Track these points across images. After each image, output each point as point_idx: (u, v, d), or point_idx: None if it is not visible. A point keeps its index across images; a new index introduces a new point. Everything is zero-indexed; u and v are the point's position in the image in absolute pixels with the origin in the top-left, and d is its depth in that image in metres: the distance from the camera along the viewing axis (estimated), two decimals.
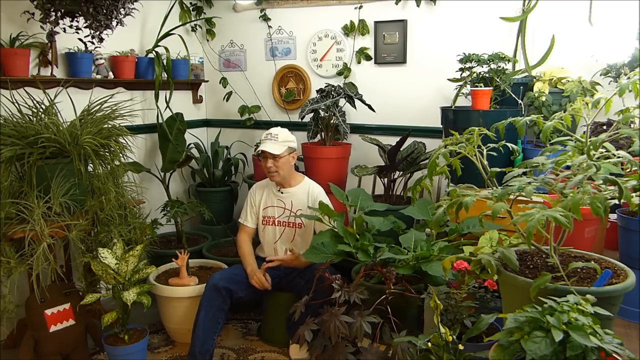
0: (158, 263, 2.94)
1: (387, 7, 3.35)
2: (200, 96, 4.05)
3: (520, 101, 2.72)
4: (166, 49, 3.37)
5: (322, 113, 3.24)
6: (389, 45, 3.37)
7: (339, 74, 3.55)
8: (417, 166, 3.07)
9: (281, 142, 2.66)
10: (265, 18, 3.76)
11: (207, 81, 3.98)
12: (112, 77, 3.20)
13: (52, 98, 2.60)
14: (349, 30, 3.49)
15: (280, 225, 2.80)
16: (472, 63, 2.80)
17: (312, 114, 3.26)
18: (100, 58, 3.10)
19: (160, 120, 3.37)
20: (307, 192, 2.78)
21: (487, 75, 2.81)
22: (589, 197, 1.35)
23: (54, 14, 2.57)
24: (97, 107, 2.63)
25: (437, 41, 3.24)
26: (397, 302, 2.25)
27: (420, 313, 2.32)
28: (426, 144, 3.17)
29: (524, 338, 1.28)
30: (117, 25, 2.71)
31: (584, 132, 1.63)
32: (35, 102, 2.50)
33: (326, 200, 2.72)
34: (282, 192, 2.79)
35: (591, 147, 1.55)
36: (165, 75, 3.39)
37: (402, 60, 3.36)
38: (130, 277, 2.43)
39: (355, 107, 3.30)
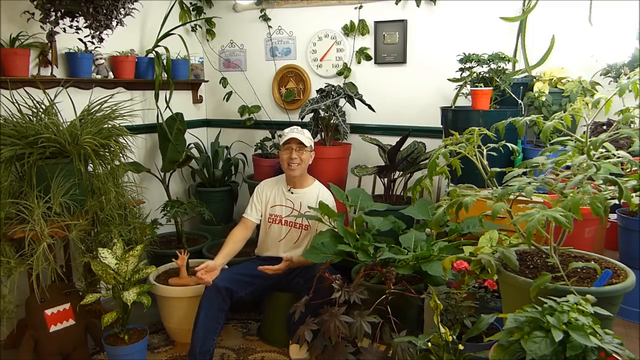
0: (158, 263, 2.94)
1: (387, 7, 3.35)
2: (200, 96, 4.05)
3: (520, 101, 2.72)
4: (166, 49, 3.37)
5: (322, 113, 3.24)
6: (389, 45, 3.37)
7: (339, 74, 3.55)
8: (417, 166, 3.07)
9: (307, 137, 2.76)
10: (265, 18, 3.76)
11: (207, 81, 3.98)
12: (112, 77, 3.20)
13: (52, 98, 2.60)
14: (349, 30, 3.49)
15: (286, 225, 2.80)
16: (472, 63, 2.80)
17: (312, 114, 3.26)
18: (100, 58, 3.10)
19: (160, 120, 3.37)
20: (317, 195, 2.78)
21: (487, 75, 2.81)
22: (589, 197, 1.35)
23: (54, 14, 2.56)
24: (97, 107, 2.64)
25: (437, 41, 3.24)
26: (397, 302, 2.25)
27: (420, 313, 2.32)
28: (426, 144, 3.17)
29: (524, 338, 1.28)
30: (117, 25, 2.71)
31: (584, 132, 1.63)
32: (35, 102, 2.50)
33: (333, 205, 2.72)
34: (292, 192, 2.80)
35: (591, 147, 1.55)
36: (165, 75, 3.39)
37: (402, 60, 3.36)
38: (130, 277, 2.43)
39: (355, 107, 3.30)
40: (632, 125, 1.77)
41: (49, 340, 2.42)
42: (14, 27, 2.72)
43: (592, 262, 1.56)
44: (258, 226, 2.90)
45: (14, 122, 2.40)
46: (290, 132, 2.73)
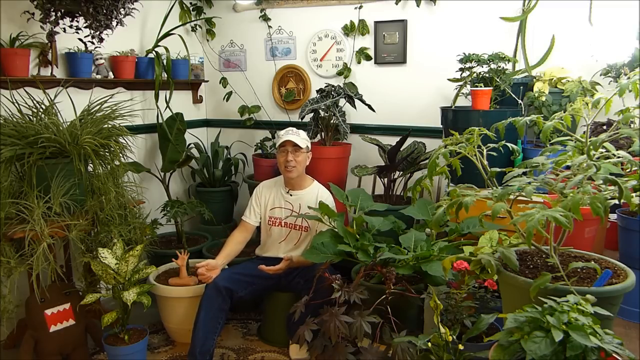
0: (158, 263, 2.94)
1: (387, 7, 3.35)
2: (200, 96, 4.05)
3: (520, 101, 2.72)
4: (166, 49, 3.37)
5: (322, 113, 3.24)
6: (389, 45, 3.37)
7: (339, 74, 3.55)
8: (417, 166, 3.07)
9: (302, 138, 2.73)
10: (265, 18, 3.76)
11: (207, 81, 3.98)
12: (112, 77, 3.20)
13: (52, 98, 2.60)
14: (349, 30, 3.49)
15: (286, 227, 2.80)
16: (472, 63, 2.80)
17: (312, 114, 3.26)
18: (100, 58, 3.10)
19: (160, 120, 3.37)
20: (316, 196, 2.77)
21: (487, 75, 2.81)
22: (589, 197, 1.35)
23: (54, 14, 2.57)
24: (97, 107, 2.64)
25: (437, 41, 3.24)
26: (397, 302, 2.25)
27: (420, 313, 2.32)
28: (426, 144, 3.17)
29: (524, 338, 1.28)
30: (117, 25, 2.71)
31: (584, 132, 1.63)
32: (35, 102, 2.50)
33: (332, 205, 2.72)
34: (290, 194, 2.79)
35: (591, 147, 1.55)
36: (165, 75, 3.39)
37: (402, 60, 3.36)
38: (130, 277, 2.43)
39: (355, 107, 3.30)
40: (632, 125, 1.77)
41: (49, 340, 2.41)
42: (14, 27, 2.72)
43: (592, 262, 1.56)
44: (259, 227, 2.90)
45: (14, 122, 2.40)
46: (285, 135, 2.71)
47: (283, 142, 2.69)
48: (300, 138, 2.71)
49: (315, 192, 2.79)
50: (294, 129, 2.77)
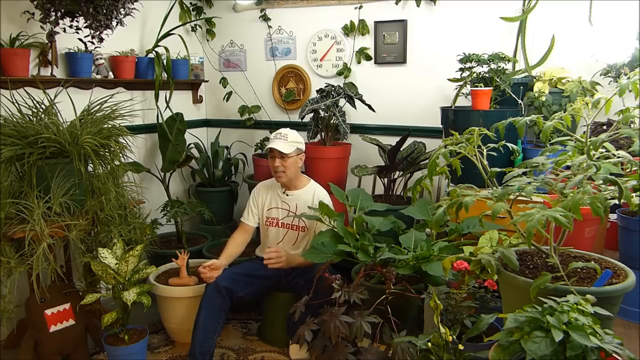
0: (158, 263, 2.94)
1: (387, 7, 3.35)
2: (200, 96, 4.05)
3: (520, 101, 2.72)
4: (166, 49, 3.37)
5: (322, 113, 3.24)
6: (389, 45, 3.37)
7: (339, 74, 3.55)
8: (417, 166, 3.07)
9: (291, 142, 2.66)
10: (265, 18, 3.76)
11: (207, 81, 3.98)
12: (112, 77, 3.20)
13: (52, 98, 2.61)
14: (349, 30, 3.49)
15: (283, 227, 2.79)
16: (472, 63, 2.80)
17: (312, 114, 3.26)
18: (100, 58, 3.10)
19: (160, 120, 3.37)
20: (313, 195, 2.75)
21: (487, 75, 2.81)
22: (589, 197, 1.35)
23: (54, 14, 2.57)
24: (97, 107, 2.64)
25: (437, 41, 3.24)
26: (397, 302, 2.25)
27: (420, 313, 2.32)
28: (426, 144, 3.17)
29: (524, 338, 1.28)
30: (117, 25, 2.71)
31: (584, 132, 1.63)
32: (35, 102, 2.50)
33: (330, 204, 2.71)
34: (287, 195, 2.78)
35: (591, 147, 1.55)
36: (165, 75, 3.39)
37: (402, 60, 3.36)
38: (130, 277, 2.43)
39: (355, 107, 3.30)
40: (632, 125, 1.77)
41: (49, 340, 2.41)
42: (14, 27, 2.72)
43: (592, 262, 1.56)
44: (259, 227, 2.90)
45: (14, 122, 2.41)
46: (271, 141, 2.66)
47: (269, 148, 2.67)
48: (288, 143, 2.64)
49: (312, 192, 2.78)
50: (283, 131, 2.70)
